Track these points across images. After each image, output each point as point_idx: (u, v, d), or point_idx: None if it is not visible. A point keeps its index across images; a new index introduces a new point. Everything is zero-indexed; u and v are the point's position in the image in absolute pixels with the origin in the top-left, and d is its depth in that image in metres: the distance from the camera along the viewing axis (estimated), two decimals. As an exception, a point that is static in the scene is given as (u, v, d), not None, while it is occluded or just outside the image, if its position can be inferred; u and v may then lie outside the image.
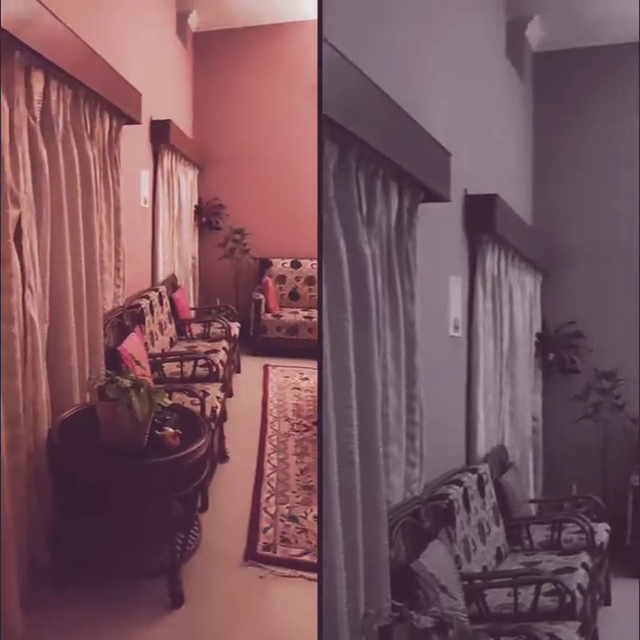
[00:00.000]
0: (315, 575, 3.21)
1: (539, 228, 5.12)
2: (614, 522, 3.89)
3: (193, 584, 3.01)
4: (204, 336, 6.00)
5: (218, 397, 4.26)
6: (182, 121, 6.93)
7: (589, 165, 5.06)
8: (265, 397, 5.77)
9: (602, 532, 3.67)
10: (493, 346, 4.08)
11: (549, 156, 5.17)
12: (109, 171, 4.15)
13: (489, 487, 3.58)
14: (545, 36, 5.07)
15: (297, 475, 4.32)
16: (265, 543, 3.47)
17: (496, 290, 4.14)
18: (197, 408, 3.79)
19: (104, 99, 3.80)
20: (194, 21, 7.52)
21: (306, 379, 6.32)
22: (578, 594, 3.00)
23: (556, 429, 4.71)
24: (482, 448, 3.76)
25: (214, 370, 4.73)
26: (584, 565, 3.28)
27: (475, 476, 3.45)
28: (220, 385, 4.57)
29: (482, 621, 2.87)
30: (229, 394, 5.50)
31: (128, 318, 4.45)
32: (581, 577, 3.19)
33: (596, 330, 4.60)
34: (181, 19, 7.04)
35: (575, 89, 5.09)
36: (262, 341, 7.04)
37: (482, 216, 3.80)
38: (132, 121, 4.46)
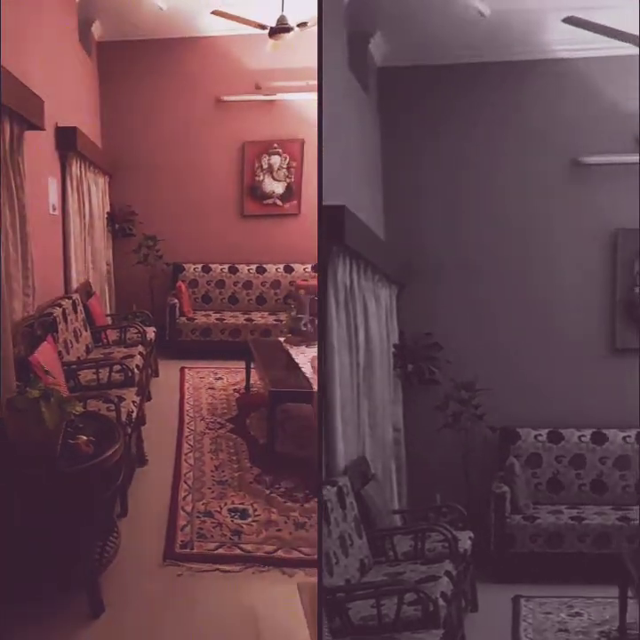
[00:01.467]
0: (229, 568, 3.20)
1: (392, 241, 4.83)
2: (478, 529, 3.84)
3: (113, 591, 2.91)
4: (121, 342, 5.82)
5: (134, 402, 4.15)
6: (90, 128, 6.71)
7: (439, 178, 4.89)
8: (182, 399, 5.72)
9: (465, 539, 3.60)
10: (348, 357, 3.78)
11: (398, 169, 4.93)
12: (12, 178, 3.94)
13: (350, 499, 3.38)
14: (389, 51, 4.89)
15: (212, 471, 4.32)
16: (182, 541, 3.44)
17: (349, 301, 3.82)
18: (113, 414, 3.65)
19: (3, 105, 3.59)
20: (97, 31, 7.28)
21: (220, 378, 6.32)
22: (441, 602, 2.94)
23: (419, 440, 4.61)
24: (341, 460, 3.51)
25: (130, 375, 4.59)
26: (448, 573, 3.19)
27: (334, 489, 3.25)
28: (136, 389, 4.43)
29: (345, 635, 2.80)
30: (148, 398, 5.37)
31: (39, 327, 4.25)
32: (445, 585, 3.10)
33: (454, 341, 4.56)
34: (84, 27, 6.80)
35: (420, 105, 4.90)
36: (178, 345, 6.93)
37: (331, 227, 3.47)
38: (35, 127, 4.26)
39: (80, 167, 6.14)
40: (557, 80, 4.57)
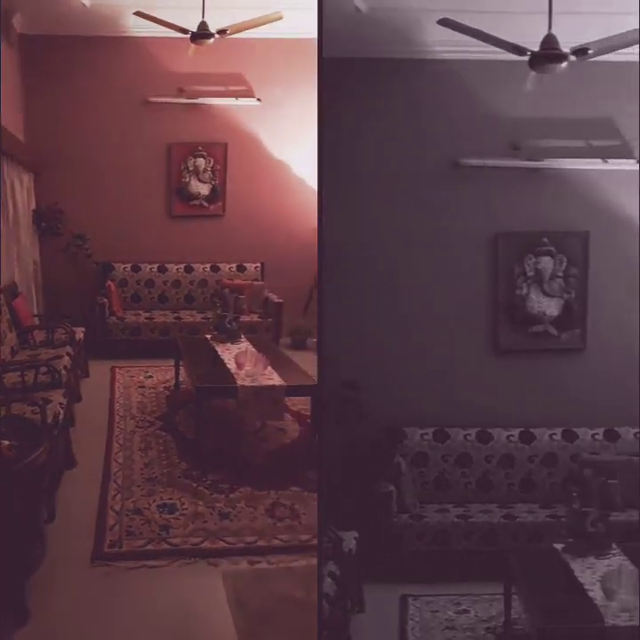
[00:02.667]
0: (157, 563, 3.19)
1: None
2: (365, 529, 3.72)
3: (39, 597, 2.86)
4: (48, 343, 5.66)
5: (61, 404, 4.07)
6: (13, 124, 6.46)
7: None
8: (112, 398, 5.64)
9: (350, 539, 3.52)
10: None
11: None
12: None
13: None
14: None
15: (141, 469, 4.29)
16: (111, 540, 3.41)
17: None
18: (38, 417, 3.56)
19: None
20: (18, 23, 7.00)
21: (150, 377, 6.25)
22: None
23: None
24: None
25: (57, 376, 4.48)
26: (331, 574, 3.16)
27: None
28: (63, 391, 4.34)
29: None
30: (77, 399, 5.26)
31: (-39, 331, 4.10)
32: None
33: (338, 340, 4.47)
34: (4, 19, 6.53)
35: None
36: (108, 344, 6.80)
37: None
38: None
39: (2, 163, 5.92)
40: (440, 81, 4.51)
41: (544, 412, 4.41)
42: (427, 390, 4.48)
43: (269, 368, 4.69)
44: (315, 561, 3.37)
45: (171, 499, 3.87)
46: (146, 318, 7.05)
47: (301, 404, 5.07)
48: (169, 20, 5.76)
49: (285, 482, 4.09)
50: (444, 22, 3.16)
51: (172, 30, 5.85)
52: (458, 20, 3.17)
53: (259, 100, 7.51)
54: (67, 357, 5.09)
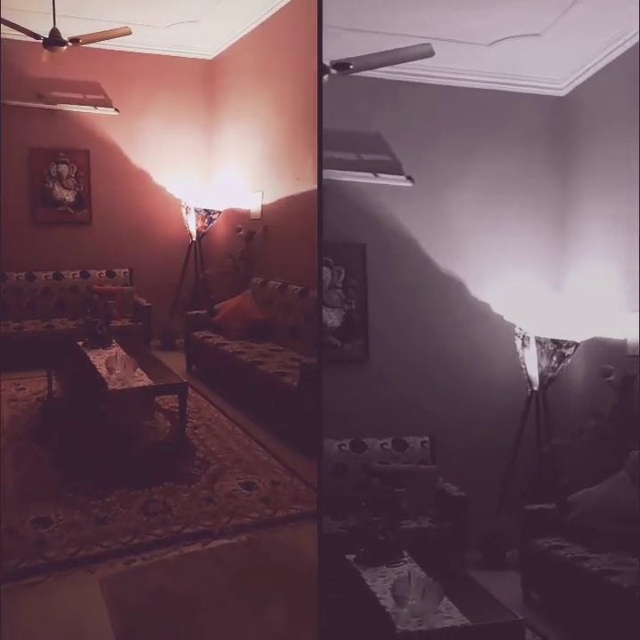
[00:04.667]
0: (34, 579, 3.07)
1: None
2: None
3: None
4: None
5: None
6: None
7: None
8: (-18, 414, 5.28)
9: None
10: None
11: None
12: None
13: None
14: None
15: (14, 485, 4.07)
16: (-19, 560, 3.22)
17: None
18: None
19: None
20: None
21: (22, 389, 5.92)
22: None
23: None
24: None
25: None
26: None
27: None
28: None
29: None
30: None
31: None
32: None
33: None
34: None
35: None
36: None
37: None
38: None
39: None
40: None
41: (332, 424, 4.31)
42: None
43: (139, 370, 4.62)
44: (186, 549, 3.40)
45: (45, 512, 3.70)
46: (15, 328, 6.68)
47: (172, 402, 5.02)
48: (22, 25, 5.48)
49: (158, 478, 4.07)
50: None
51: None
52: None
53: (117, 110, 7.31)
54: None
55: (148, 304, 6.95)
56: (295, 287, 5.82)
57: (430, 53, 3.05)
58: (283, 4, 6.12)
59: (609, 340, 4.86)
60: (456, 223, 4.93)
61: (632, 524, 4.00)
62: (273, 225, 6.49)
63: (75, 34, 5.57)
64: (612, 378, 4.59)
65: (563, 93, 5.21)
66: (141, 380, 4.50)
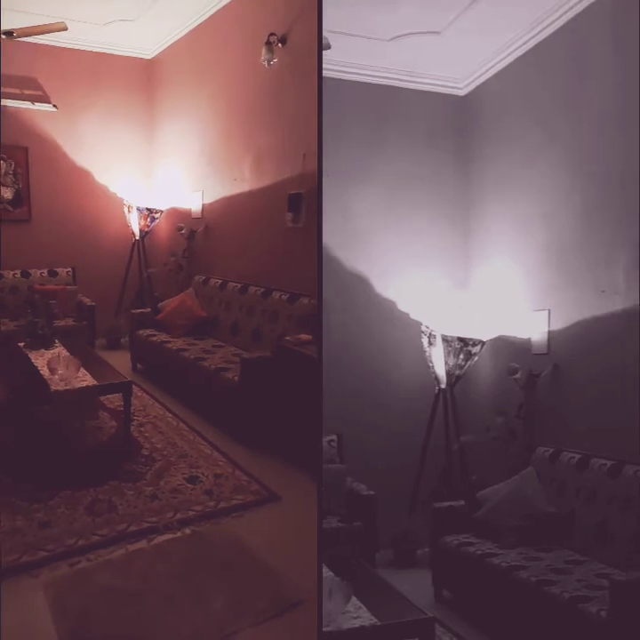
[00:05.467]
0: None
1: None
2: None
3: None
4: None
5: None
6: None
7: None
8: None
9: None
10: None
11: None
12: None
13: None
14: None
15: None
16: None
17: None
18: None
19: None
20: None
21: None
22: None
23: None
24: None
25: None
26: None
27: None
28: None
29: None
30: None
31: None
32: None
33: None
34: None
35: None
36: None
37: None
38: None
39: None
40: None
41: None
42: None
43: (83, 370, 4.57)
44: (131, 547, 3.41)
45: (-14, 520, 3.65)
46: None
47: (117, 401, 4.98)
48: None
49: (103, 478, 4.05)
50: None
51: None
52: None
53: (55, 106, 7.12)
54: None
55: (92, 303, 6.83)
56: (235, 284, 5.86)
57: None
58: (219, 6, 6.10)
59: (514, 338, 5.01)
60: (360, 221, 4.96)
61: (539, 520, 4.14)
62: (213, 224, 6.48)
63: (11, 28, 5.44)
64: (517, 376, 4.74)
65: (463, 92, 5.29)
66: (85, 380, 4.45)
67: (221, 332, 5.87)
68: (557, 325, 4.73)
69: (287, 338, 4.80)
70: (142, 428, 4.92)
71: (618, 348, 4.32)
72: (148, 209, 7.25)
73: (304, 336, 4.74)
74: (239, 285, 5.80)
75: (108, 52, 7.33)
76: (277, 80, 5.39)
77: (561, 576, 3.66)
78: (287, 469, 4.43)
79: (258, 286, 5.56)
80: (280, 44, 5.18)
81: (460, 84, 5.18)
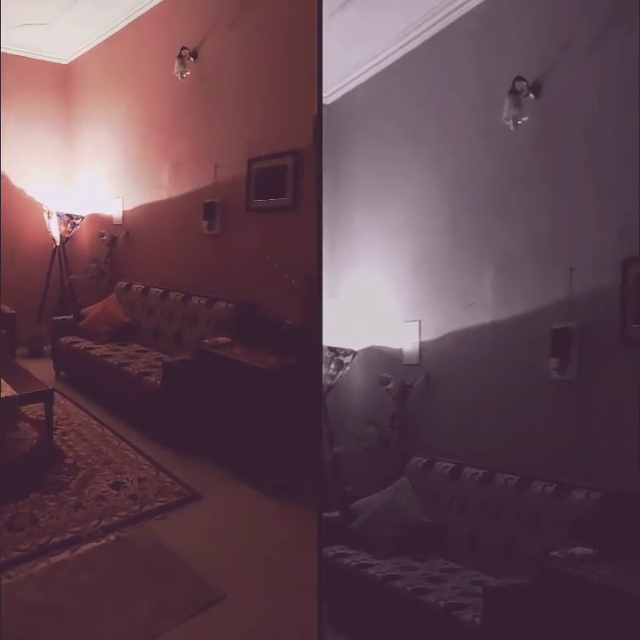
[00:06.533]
0: None
1: None
2: None
3: None
4: None
5: None
6: None
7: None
8: None
9: None
10: None
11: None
12: None
13: None
14: None
15: None
16: None
17: None
18: None
19: None
20: None
21: None
22: None
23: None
24: None
25: None
26: None
27: None
28: None
29: None
30: None
31: None
32: None
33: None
34: None
35: None
36: None
37: None
38: None
39: None
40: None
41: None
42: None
43: (2, 381, 4.41)
44: (54, 559, 3.35)
45: None
46: None
47: (40, 410, 4.83)
48: None
49: (25, 490, 3.93)
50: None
51: None
52: None
53: (-33, 111, 6.79)
54: None
55: (13, 311, 6.58)
56: (157, 290, 5.81)
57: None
58: (135, 16, 5.98)
59: (386, 348, 5.00)
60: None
61: (413, 530, 4.17)
62: (134, 230, 6.37)
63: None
64: (390, 386, 4.72)
65: (328, 101, 5.23)
66: (4, 390, 4.30)
67: (144, 336, 5.80)
68: (428, 336, 4.70)
69: (205, 341, 4.81)
70: (65, 437, 4.80)
71: (487, 359, 4.33)
72: (68, 215, 7.03)
73: (222, 338, 4.77)
74: (161, 291, 5.74)
75: (24, 54, 7.04)
76: (191, 92, 5.34)
77: (436, 585, 3.62)
78: (210, 469, 4.45)
79: (178, 291, 5.53)
80: (192, 58, 5.14)
81: (327, 91, 5.10)
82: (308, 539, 3.93)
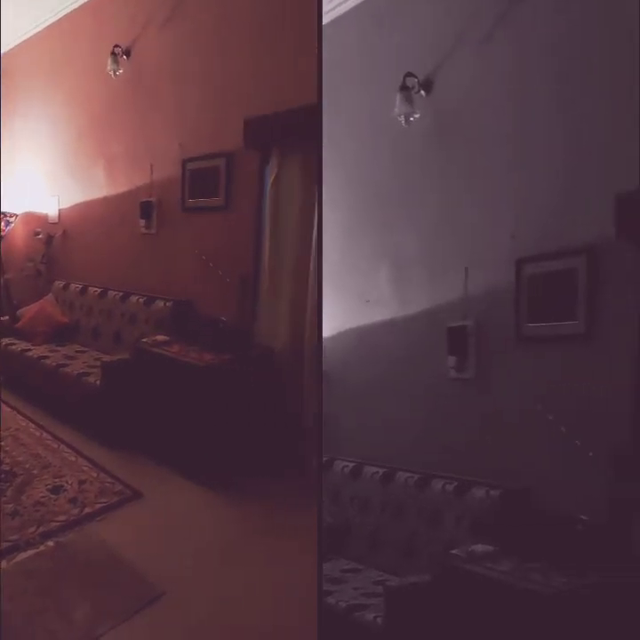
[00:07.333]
0: None
1: None
2: None
3: None
4: None
5: None
6: None
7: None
8: None
9: None
10: None
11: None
12: None
13: None
14: None
15: None
16: None
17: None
18: None
19: None
20: None
21: None
22: None
23: None
24: None
25: None
26: None
27: None
28: None
29: None
30: None
31: None
32: None
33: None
34: None
35: None
36: None
37: None
38: None
39: None
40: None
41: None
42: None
43: None
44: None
45: None
46: None
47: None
48: None
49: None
50: None
51: None
52: None
53: None
54: None
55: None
56: (95, 289, 5.65)
57: None
58: (69, 9, 5.78)
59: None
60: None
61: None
62: (71, 229, 6.18)
63: None
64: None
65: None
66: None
67: (83, 336, 5.64)
68: (326, 333, 4.45)
69: (144, 340, 4.74)
70: (2, 443, 4.63)
71: (385, 356, 4.28)
72: (1, 212, 6.76)
73: (160, 337, 4.72)
74: (99, 290, 5.60)
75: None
76: (125, 90, 5.20)
77: (337, 585, 3.58)
78: (151, 467, 4.39)
79: (116, 291, 5.41)
80: (125, 57, 5.01)
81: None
82: (251, 534, 3.87)
